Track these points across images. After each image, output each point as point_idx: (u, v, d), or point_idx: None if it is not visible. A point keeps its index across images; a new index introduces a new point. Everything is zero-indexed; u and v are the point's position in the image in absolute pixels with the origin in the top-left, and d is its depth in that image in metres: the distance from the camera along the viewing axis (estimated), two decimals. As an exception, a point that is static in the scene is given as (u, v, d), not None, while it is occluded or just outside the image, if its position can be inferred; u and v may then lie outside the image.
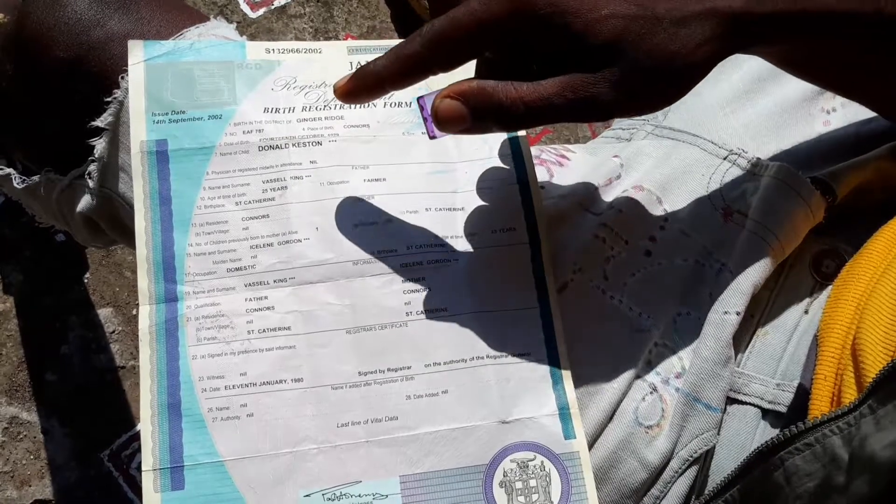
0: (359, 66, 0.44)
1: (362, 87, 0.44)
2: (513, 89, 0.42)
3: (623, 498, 0.48)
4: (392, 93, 0.51)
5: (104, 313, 1.13)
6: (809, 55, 0.47)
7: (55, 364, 1.09)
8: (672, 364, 0.50)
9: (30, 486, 1.03)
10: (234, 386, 0.45)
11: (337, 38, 1.32)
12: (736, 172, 0.54)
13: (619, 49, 0.40)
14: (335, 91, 0.45)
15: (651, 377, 0.49)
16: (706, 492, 0.44)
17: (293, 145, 0.50)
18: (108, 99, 0.51)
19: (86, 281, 1.14)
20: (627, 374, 0.49)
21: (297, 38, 1.30)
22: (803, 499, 0.39)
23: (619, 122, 0.66)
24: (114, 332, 1.11)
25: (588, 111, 0.42)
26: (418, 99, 0.46)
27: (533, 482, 0.46)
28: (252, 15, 1.31)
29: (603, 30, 0.40)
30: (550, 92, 0.41)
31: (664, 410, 0.49)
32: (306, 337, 0.47)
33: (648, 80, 0.41)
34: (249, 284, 0.47)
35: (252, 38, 1.29)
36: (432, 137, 0.46)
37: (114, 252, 1.15)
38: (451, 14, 0.41)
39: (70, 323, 1.11)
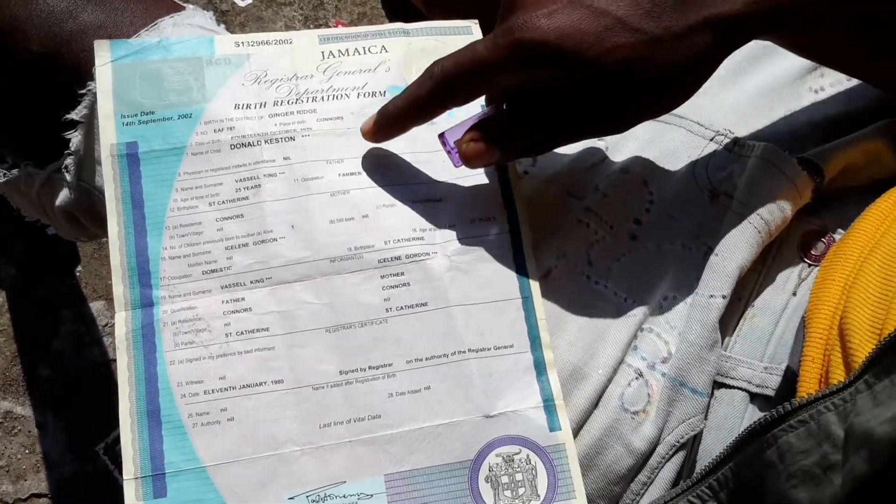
0: (380, 108, 0.48)
1: (384, 128, 0.48)
2: (529, 120, 0.45)
3: (609, 485, 0.48)
4: (367, 81, 0.52)
5: (96, 306, 1.12)
6: (811, 38, 0.48)
7: (48, 358, 1.09)
8: (658, 349, 0.49)
9: (25, 480, 1.04)
10: (213, 390, 0.45)
11: (327, 26, 1.31)
12: (722, 154, 0.53)
13: (627, 75, 0.42)
14: (363, 134, 0.48)
15: (637, 362, 0.49)
16: (696, 473, 0.44)
17: (265, 142, 0.49)
18: (83, 91, 0.51)
19: (78, 274, 1.14)
20: (613, 360, 0.49)
21: (286, 26, 1.29)
22: (797, 477, 0.38)
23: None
24: (106, 325, 1.11)
25: (604, 130, 0.46)
26: (440, 135, 0.48)
27: (519, 476, 0.46)
28: (241, 3, 1.30)
29: (609, 62, 0.41)
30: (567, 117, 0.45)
31: (650, 396, 0.48)
32: (285, 337, 0.46)
33: (659, 94, 0.44)
34: (226, 286, 0.47)
35: (241, 26, 1.28)
36: (458, 166, 0.48)
37: (105, 245, 1.15)
38: (458, 56, 0.44)
39: (62, 316, 1.11)
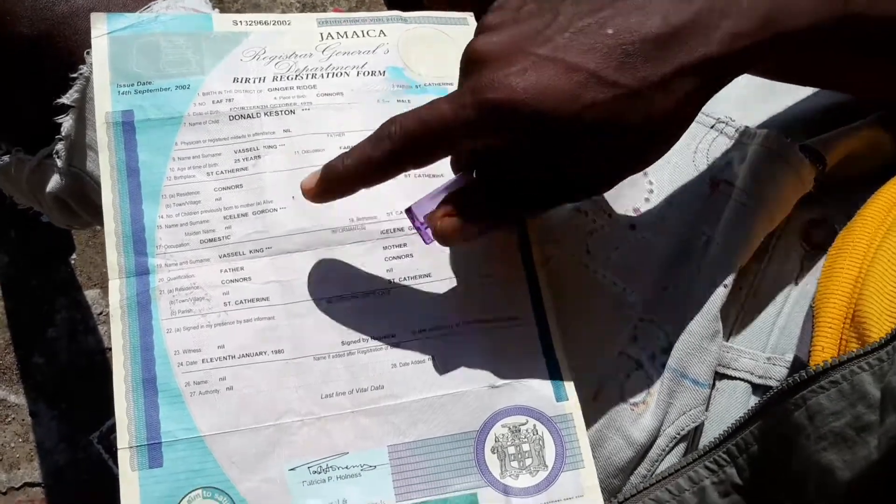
0: (325, 166, 0.43)
1: (329, 190, 0.43)
2: (507, 189, 0.41)
3: (609, 477, 0.47)
4: (366, 62, 0.52)
5: (91, 295, 1.12)
6: (795, 67, 0.47)
7: (42, 346, 1.09)
8: (658, 339, 0.48)
9: (19, 469, 1.03)
10: (211, 359, 0.44)
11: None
12: (723, 142, 0.53)
13: (607, 132, 0.39)
14: (304, 192, 0.44)
15: (636, 353, 0.48)
16: (713, 438, 0.43)
17: (265, 114, 0.49)
18: (74, 75, 0.50)
19: (72, 262, 1.14)
20: (612, 351, 0.48)
21: (284, 13, 1.29)
22: (827, 438, 0.38)
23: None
24: (101, 313, 1.11)
25: (585, 192, 0.44)
26: (407, 210, 0.44)
27: (526, 446, 0.45)
28: (238, -11, 1.30)
29: (587, 120, 0.39)
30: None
31: (650, 387, 0.48)
32: (285, 307, 0.46)
33: (640, 148, 0.41)
34: (224, 255, 0.46)
35: (238, 13, 1.28)
36: (429, 243, 0.44)
37: (100, 232, 1.15)
38: (419, 115, 0.40)
39: (57, 305, 1.11)
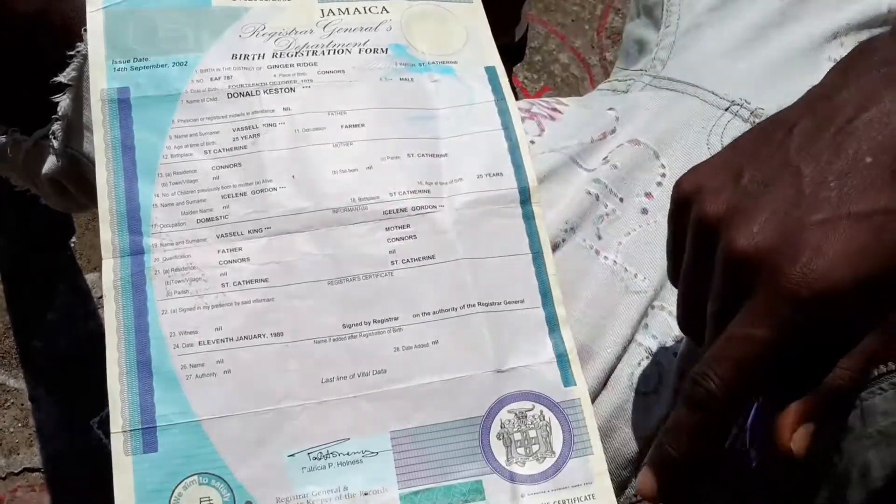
0: (652, 463, 0.38)
1: (677, 480, 0.38)
2: (844, 375, 0.35)
3: (618, 469, 0.46)
4: (368, 39, 0.51)
5: (91, 278, 1.12)
6: None
7: (42, 331, 1.08)
8: (670, 327, 0.48)
9: (18, 454, 1.03)
10: (208, 341, 0.43)
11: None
12: (738, 124, 0.52)
13: None
14: (644, 496, 0.39)
15: (647, 341, 0.48)
16: None
17: (265, 92, 0.48)
18: (72, 53, 0.49)
19: (72, 245, 1.13)
20: (622, 339, 0.47)
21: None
22: (872, 437, 0.36)
23: (615, 74, 0.64)
24: (101, 297, 1.10)
25: None
26: (750, 424, 0.40)
27: (532, 433, 0.45)
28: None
29: None
30: (878, 349, 0.35)
31: (662, 376, 0.47)
32: (285, 289, 0.45)
33: None
34: (222, 235, 0.45)
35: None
36: (756, 466, 0.39)
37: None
38: (731, 355, 0.36)
39: (57, 289, 1.10)
